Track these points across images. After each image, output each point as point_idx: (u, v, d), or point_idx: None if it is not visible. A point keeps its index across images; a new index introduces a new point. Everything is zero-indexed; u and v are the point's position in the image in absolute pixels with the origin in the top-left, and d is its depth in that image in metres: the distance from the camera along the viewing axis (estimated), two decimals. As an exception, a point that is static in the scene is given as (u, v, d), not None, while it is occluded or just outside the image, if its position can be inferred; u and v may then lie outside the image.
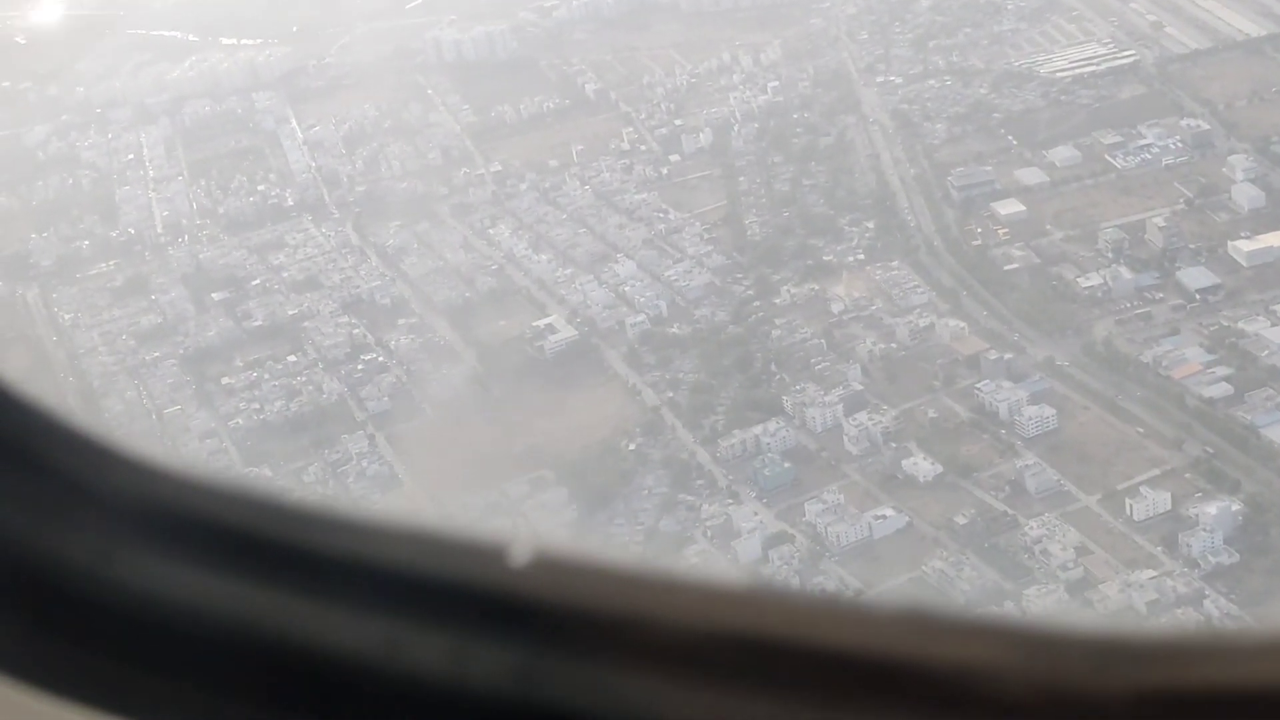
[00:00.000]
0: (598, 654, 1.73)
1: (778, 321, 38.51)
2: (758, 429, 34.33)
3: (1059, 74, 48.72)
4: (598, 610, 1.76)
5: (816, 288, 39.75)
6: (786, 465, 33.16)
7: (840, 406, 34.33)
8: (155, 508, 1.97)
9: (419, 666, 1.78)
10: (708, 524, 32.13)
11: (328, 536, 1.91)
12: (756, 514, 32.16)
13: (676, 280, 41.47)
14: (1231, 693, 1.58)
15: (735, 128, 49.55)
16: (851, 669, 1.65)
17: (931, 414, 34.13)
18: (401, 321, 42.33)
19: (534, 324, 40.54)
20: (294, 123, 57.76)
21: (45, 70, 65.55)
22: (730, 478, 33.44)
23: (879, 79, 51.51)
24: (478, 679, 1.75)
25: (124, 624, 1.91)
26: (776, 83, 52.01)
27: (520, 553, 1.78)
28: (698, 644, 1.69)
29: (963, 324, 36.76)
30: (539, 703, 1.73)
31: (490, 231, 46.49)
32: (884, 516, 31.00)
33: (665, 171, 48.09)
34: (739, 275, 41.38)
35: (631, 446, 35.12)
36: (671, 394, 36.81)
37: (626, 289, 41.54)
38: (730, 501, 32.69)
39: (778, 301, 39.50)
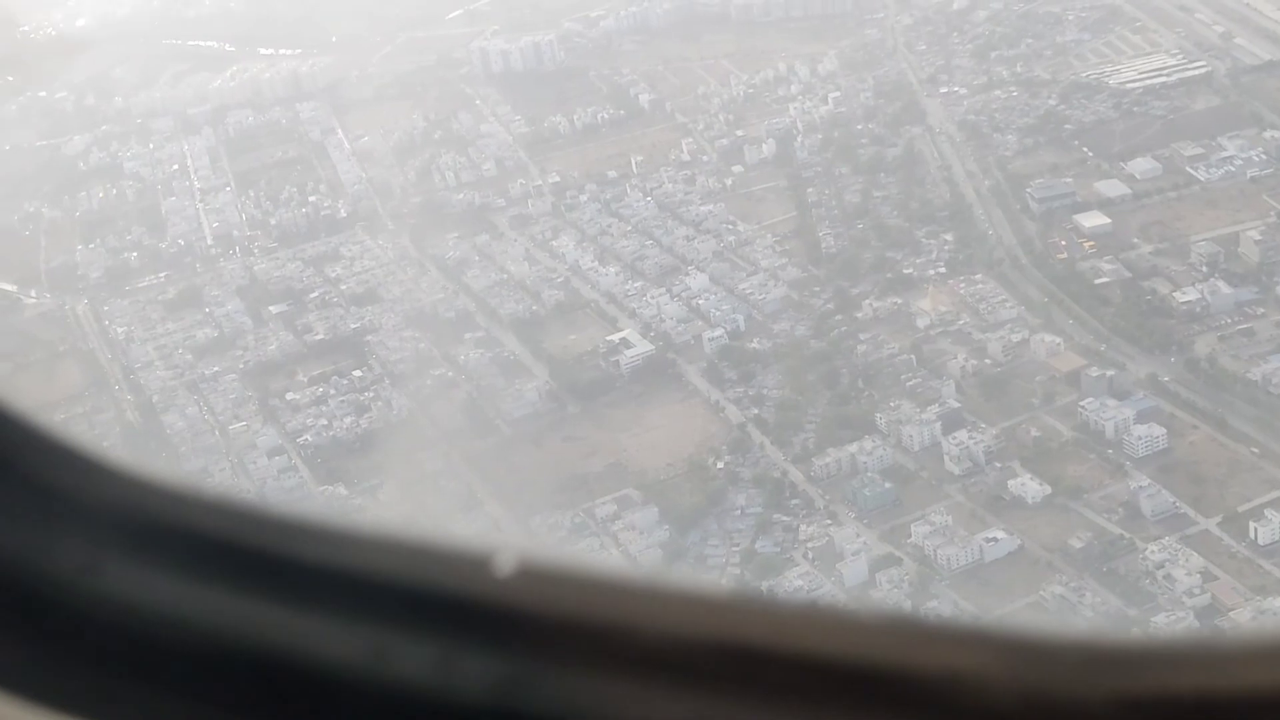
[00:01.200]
0: (583, 663, 1.72)
1: (862, 336, 37.45)
2: (853, 447, 33.25)
3: (1129, 85, 47.78)
4: (582, 619, 1.75)
5: (899, 302, 38.71)
6: (887, 485, 32.07)
7: (938, 424, 33.24)
8: (140, 518, 1.97)
9: (404, 676, 1.77)
10: (808, 546, 31.02)
11: (313, 546, 1.91)
12: (859, 535, 31.07)
13: (751, 294, 40.43)
14: (1216, 699, 1.56)
15: (798, 139, 48.59)
16: (836, 676, 1.64)
17: (1034, 432, 33.05)
18: (468, 335, 41.26)
19: (607, 338, 39.48)
20: (340, 133, 56.80)
21: (80, 79, 64.69)
22: (827, 497, 32.34)
23: (942, 90, 50.58)
24: (463, 688, 1.74)
25: (110, 635, 1.91)
26: (837, 93, 51.09)
27: (505, 562, 1.78)
28: (683, 652, 1.69)
29: (1058, 339, 35.70)
30: (524, 712, 1.72)
31: (553, 243, 45.47)
32: (995, 539, 29.89)
33: (729, 183, 47.11)
34: (816, 289, 40.35)
35: (719, 465, 34.06)
36: (756, 410, 35.73)
37: (700, 303, 40.49)
38: (829, 522, 31.60)
39: (860, 316, 38.46)
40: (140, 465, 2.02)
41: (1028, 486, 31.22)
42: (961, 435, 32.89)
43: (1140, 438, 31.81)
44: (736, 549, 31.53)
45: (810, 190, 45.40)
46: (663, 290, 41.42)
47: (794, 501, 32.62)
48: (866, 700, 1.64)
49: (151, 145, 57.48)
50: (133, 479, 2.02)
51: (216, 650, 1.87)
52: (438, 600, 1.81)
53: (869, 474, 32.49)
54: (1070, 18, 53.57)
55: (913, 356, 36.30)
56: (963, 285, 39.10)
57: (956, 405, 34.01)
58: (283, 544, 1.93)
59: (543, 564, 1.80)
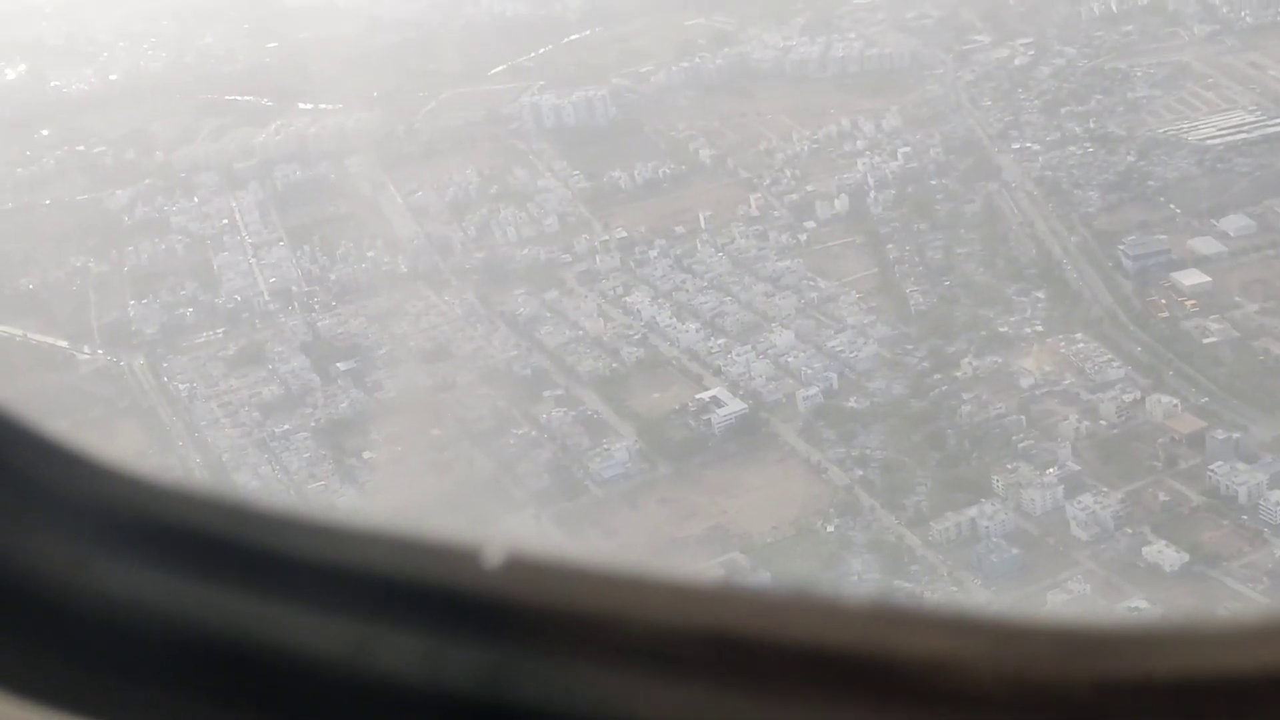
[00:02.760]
0: (571, 653, 1.74)
1: (964, 396, 36.24)
2: (972, 511, 31.94)
3: (1209, 141, 46.92)
4: (570, 610, 1.76)
5: (999, 361, 37.54)
6: (1014, 551, 30.73)
7: (1060, 488, 31.97)
8: (129, 515, 1.97)
9: (392, 668, 1.78)
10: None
11: (301, 541, 1.89)
12: (989, 604, 29.67)
13: (842, 351, 39.24)
14: (1197, 682, 1.58)
15: (870, 194, 47.58)
16: (821, 663, 1.66)
17: (1162, 497, 31.79)
18: (547, 394, 39.98)
19: (696, 396, 38.22)
20: (392, 188, 55.67)
21: (118, 134, 63.63)
22: (950, 563, 31.00)
23: (1014, 145, 49.66)
24: (451, 680, 1.75)
25: (99, 630, 1.91)
26: (907, 149, 50.13)
27: (493, 555, 1.78)
28: (669, 642, 1.70)
29: (1174, 401, 34.51)
30: (512, 703, 1.73)
31: (625, 300, 44.30)
32: (1138, 609, 28.55)
33: (803, 238, 46.04)
34: (909, 346, 39.17)
35: (829, 528, 32.70)
36: (861, 472, 34.43)
37: (789, 360, 39.27)
38: (955, 589, 30.22)
39: (959, 375, 37.26)
40: (128, 462, 1.99)
41: (1164, 554, 29.91)
42: (1086, 499, 31.62)
43: (1278, 503, 30.55)
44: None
45: (890, 246, 44.33)
46: (748, 347, 40.19)
47: (914, 567, 31.26)
48: (852, 686, 1.65)
49: (197, 200, 56.24)
50: (121, 476, 2.02)
51: (205, 645, 1.86)
52: (426, 593, 1.81)
53: (992, 539, 31.16)
54: (1139, 74, 52.83)
55: (1022, 417, 35.05)
56: (1063, 344, 37.96)
57: (1076, 468, 32.76)
58: (271, 539, 1.92)
59: (530, 556, 1.79)
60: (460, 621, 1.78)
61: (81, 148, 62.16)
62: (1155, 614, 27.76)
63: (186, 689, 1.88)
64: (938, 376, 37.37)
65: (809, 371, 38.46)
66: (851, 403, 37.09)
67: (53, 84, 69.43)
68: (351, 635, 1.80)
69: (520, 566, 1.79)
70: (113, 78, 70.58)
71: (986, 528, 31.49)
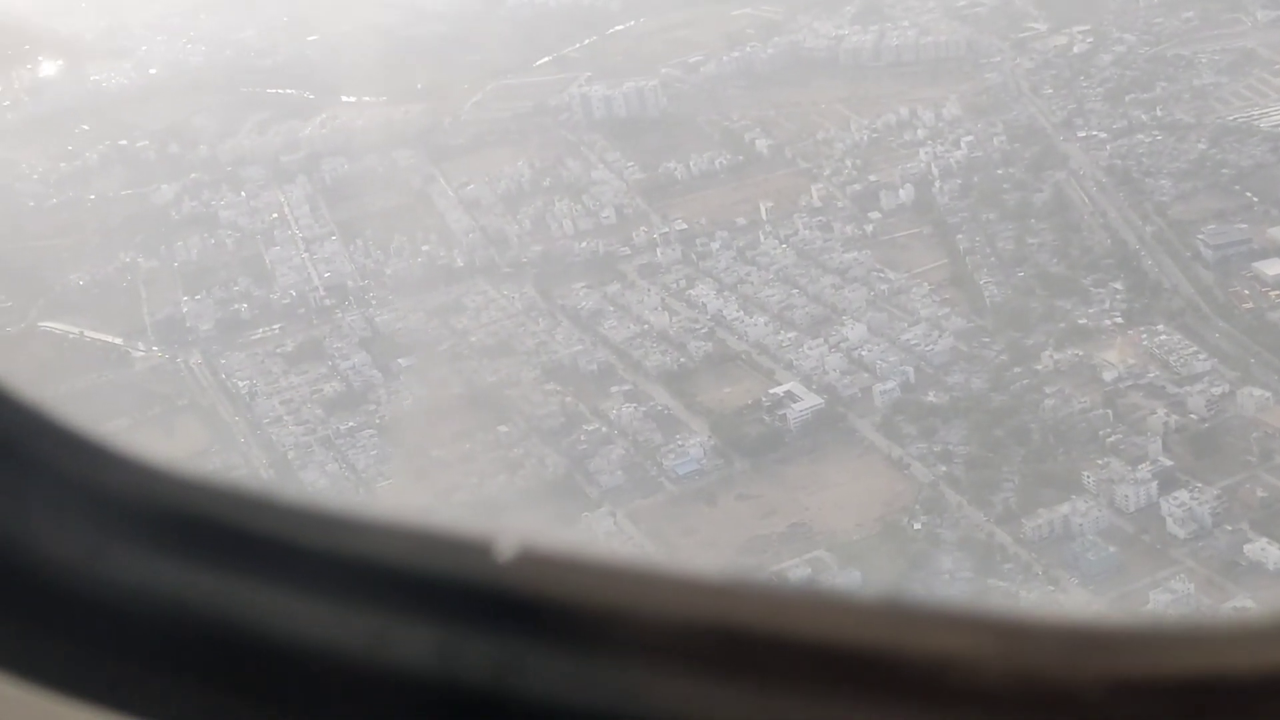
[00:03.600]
0: (581, 647, 1.74)
1: (1047, 390, 35.39)
2: (1064, 508, 31.13)
3: (1283, 128, 45.98)
4: (581, 604, 1.76)
5: (1080, 354, 36.68)
6: (1111, 549, 29.92)
7: (1154, 484, 31.14)
8: (145, 504, 1.97)
9: (404, 660, 1.78)
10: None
11: (315, 532, 1.89)
12: (1088, 603, 28.89)
13: (916, 344, 38.43)
14: (1206, 682, 1.57)
15: (936, 184, 46.74)
16: (830, 659, 1.66)
17: (1259, 493, 30.95)
18: (614, 389, 39.26)
19: (770, 391, 37.45)
20: (442, 181, 54.99)
21: (159, 128, 63.04)
22: (1044, 562, 30.20)
23: (1080, 134, 48.75)
24: (462, 672, 1.76)
25: (114, 619, 1.91)
26: (970, 138, 49.26)
27: (505, 547, 1.78)
28: (679, 636, 1.70)
29: (1266, 393, 33.65)
30: (523, 695, 1.73)
31: (689, 293, 43.54)
32: (1245, 609, 27.71)
33: (869, 229, 45.22)
34: (985, 339, 38.33)
35: (916, 526, 31.93)
36: (945, 468, 33.64)
37: (863, 354, 38.49)
38: (1052, 588, 29.43)
39: (1039, 368, 36.42)
40: (145, 452, 1.99)
41: (1267, 551, 29.08)
42: (1182, 495, 30.79)
43: (1381, 497, 29.74)
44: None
45: (960, 237, 43.49)
46: (819, 341, 39.42)
47: (1007, 566, 30.47)
48: (860, 683, 1.64)
49: (244, 194, 55.63)
50: (137, 465, 2.01)
51: (218, 635, 1.86)
52: (439, 585, 1.81)
53: (1088, 537, 30.36)
54: (1203, 60, 51.82)
55: (1108, 411, 34.21)
56: (1144, 336, 37.09)
57: (1169, 463, 31.93)
58: (286, 530, 1.91)
59: (542, 549, 1.79)
60: (473, 614, 1.77)
61: (124, 142, 61.58)
62: (1258, 609, 27.08)
63: (198, 678, 1.87)
64: (1018, 370, 36.54)
65: (884, 365, 37.67)
66: (930, 397, 36.29)
67: (92, 78, 68.78)
68: (363, 627, 1.80)
69: (533, 560, 1.78)
70: (152, 72, 70.00)
71: (1080, 525, 30.68)
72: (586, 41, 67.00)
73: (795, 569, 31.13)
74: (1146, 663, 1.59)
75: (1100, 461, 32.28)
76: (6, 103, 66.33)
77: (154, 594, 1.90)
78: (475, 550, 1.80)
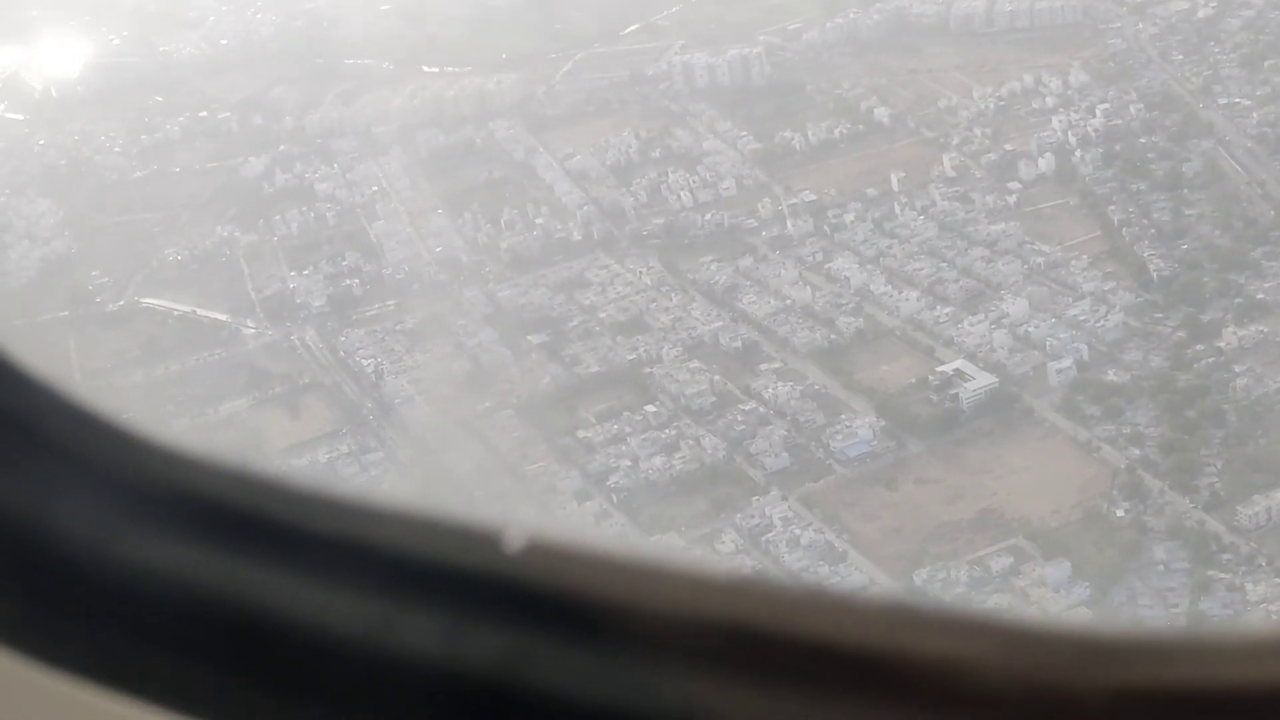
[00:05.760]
0: (588, 640, 1.74)
1: (1235, 369, 33.53)
2: (1281, 494, 29.33)
3: None
4: (589, 596, 1.76)
5: (1264, 330, 34.81)
6: (1346, 539, 28.15)
7: (1379, 468, 29.35)
8: (154, 484, 1.98)
9: (411, 648, 1.79)
10: (1264, 608, 27.05)
11: (325, 517, 1.91)
12: (1324, 597, 27.13)
13: (1084, 321, 36.56)
14: (1212, 692, 1.57)
15: (1076, 153, 44.79)
16: (837, 660, 1.66)
17: None
18: (764, 367, 37.47)
19: (938, 369, 35.62)
20: (544, 152, 53.11)
21: (237, 99, 61.22)
22: (1268, 552, 28.37)
23: (1221, 101, 46.75)
24: (469, 662, 1.77)
25: (124, 599, 1.91)
26: (1106, 105, 47.26)
27: (514, 538, 1.79)
28: (686, 632, 1.71)
29: None
30: (529, 686, 1.74)
31: (828, 266, 41.66)
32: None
33: (1012, 200, 43.31)
34: (1158, 315, 36.46)
35: (1119, 513, 30.11)
36: (1138, 451, 31.80)
37: (1029, 330, 36.62)
38: (1281, 581, 27.66)
39: (1222, 345, 34.55)
40: (157, 432, 1.99)
41: None
42: None
43: None
44: (1177, 610, 27.56)
45: (1111, 208, 41.56)
46: (979, 317, 37.56)
47: (1225, 556, 28.66)
48: (867, 685, 1.63)
49: (338, 166, 53.76)
50: (149, 445, 2.00)
51: (227, 618, 1.85)
52: (447, 574, 1.80)
53: (1317, 526, 28.58)
54: (1343, 24, 49.77)
55: (1309, 390, 32.42)
56: (1331, 310, 35.24)
57: (1389, 446, 30.14)
58: (296, 514, 1.91)
59: (551, 540, 1.78)
60: (480, 604, 1.76)
61: (204, 114, 59.69)
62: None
63: (208, 661, 1.87)
64: (1200, 347, 34.65)
65: (1054, 343, 35.81)
66: (1110, 376, 34.44)
67: (161, 49, 66.87)
68: (372, 613, 1.79)
69: (541, 551, 1.76)
70: (223, 43, 67.95)
71: (1303, 512, 28.89)
72: (674, 9, 64.93)
73: (994, 557, 29.33)
74: (1151, 672, 1.56)
75: (1313, 444, 30.45)
76: (75, 75, 64.45)
77: (165, 577, 1.88)
78: (484, 540, 1.78)
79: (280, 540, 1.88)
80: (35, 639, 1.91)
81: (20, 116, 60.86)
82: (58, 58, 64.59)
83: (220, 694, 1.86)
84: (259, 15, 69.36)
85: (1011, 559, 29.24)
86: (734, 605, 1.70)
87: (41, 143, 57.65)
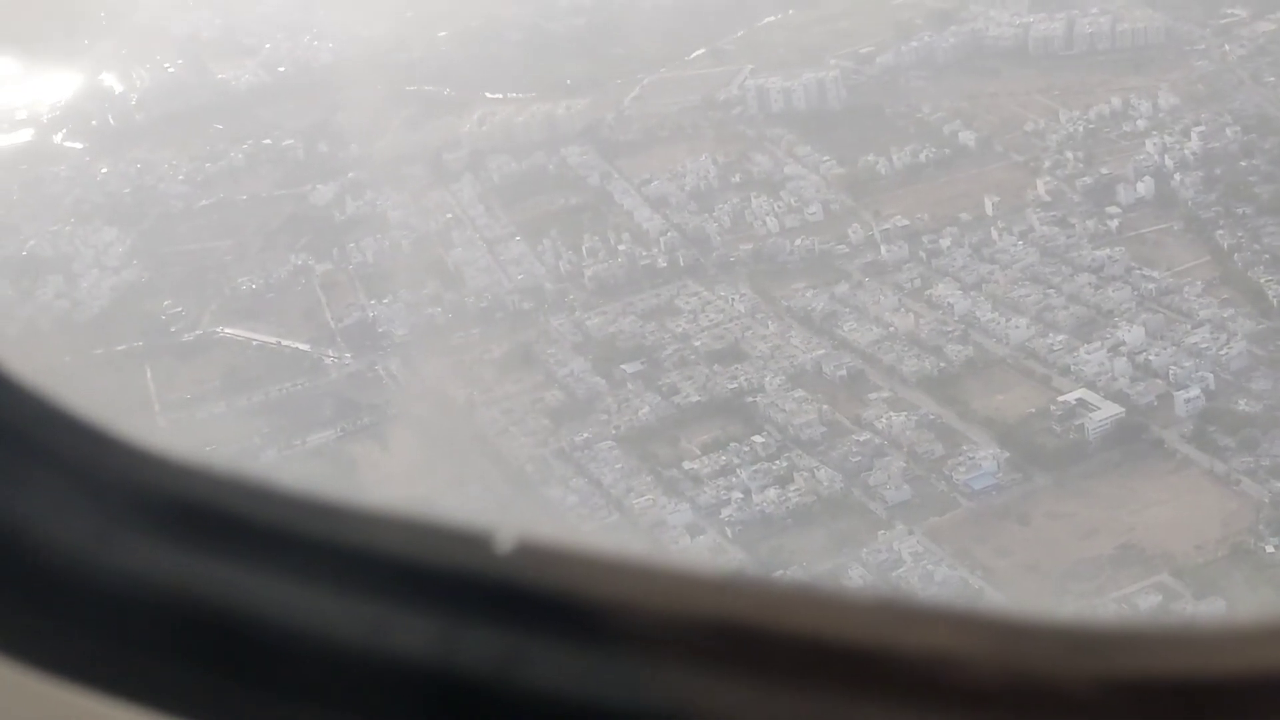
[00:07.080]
0: (580, 639, 1.73)
1: (1375, 397, 32.33)
2: None
3: None
4: (581, 596, 1.74)
5: (1400, 357, 33.60)
6: None
7: None
8: (149, 492, 1.95)
9: (405, 651, 1.77)
10: None
11: (319, 523, 1.88)
12: None
13: (1206, 349, 35.37)
14: (1199, 682, 1.57)
15: (1175, 177, 43.65)
16: (827, 655, 1.65)
17: None
18: (873, 396, 36.34)
19: (1060, 399, 34.44)
20: (620, 178, 52.17)
21: (300, 126, 60.45)
22: None
23: (1321, 123, 45.66)
24: (463, 663, 1.75)
25: (115, 605, 1.89)
26: (1201, 128, 46.14)
27: (505, 540, 1.77)
28: (679, 630, 1.69)
29: None
30: (523, 687, 1.72)
31: (928, 293, 40.55)
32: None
33: (1114, 225, 42.19)
34: (1281, 343, 35.30)
35: (1270, 549, 28.87)
36: (1280, 484, 30.60)
37: (1150, 358, 35.44)
38: None
39: (1357, 374, 33.35)
40: (149, 441, 1.96)
41: None
42: None
43: None
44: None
45: (1220, 233, 40.39)
46: (1095, 345, 36.38)
47: (1388, 594, 27.40)
48: (857, 679, 1.63)
49: (409, 193, 52.85)
50: (141, 453, 1.99)
51: (220, 623, 1.84)
52: (439, 577, 1.79)
53: None
54: None
55: None
56: None
57: None
58: (290, 520, 1.90)
59: (543, 541, 1.76)
60: (473, 606, 1.73)
61: (268, 141, 59.00)
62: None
63: (200, 665, 1.83)
64: (1334, 375, 33.50)
65: (1178, 371, 34.61)
66: (1241, 405, 33.23)
67: (218, 77, 66.22)
68: (365, 616, 1.77)
69: (533, 552, 1.75)
70: (281, 70, 67.40)
71: None
72: (739, 34, 64.11)
73: (1139, 595, 28.11)
74: (1139, 663, 1.56)
75: None
76: (132, 103, 63.81)
77: (156, 581, 1.86)
78: (476, 542, 1.76)
79: (276, 545, 1.86)
80: (30, 645, 1.88)
81: (80, 145, 60.14)
82: (114, 86, 64.08)
83: (216, 699, 1.83)
84: (315, 43, 68.66)
85: (1160, 596, 28.00)
86: (724, 603, 1.69)
87: (104, 171, 56.94)
